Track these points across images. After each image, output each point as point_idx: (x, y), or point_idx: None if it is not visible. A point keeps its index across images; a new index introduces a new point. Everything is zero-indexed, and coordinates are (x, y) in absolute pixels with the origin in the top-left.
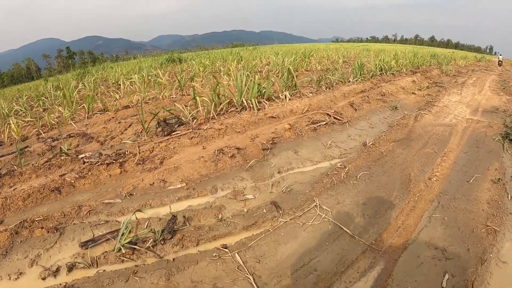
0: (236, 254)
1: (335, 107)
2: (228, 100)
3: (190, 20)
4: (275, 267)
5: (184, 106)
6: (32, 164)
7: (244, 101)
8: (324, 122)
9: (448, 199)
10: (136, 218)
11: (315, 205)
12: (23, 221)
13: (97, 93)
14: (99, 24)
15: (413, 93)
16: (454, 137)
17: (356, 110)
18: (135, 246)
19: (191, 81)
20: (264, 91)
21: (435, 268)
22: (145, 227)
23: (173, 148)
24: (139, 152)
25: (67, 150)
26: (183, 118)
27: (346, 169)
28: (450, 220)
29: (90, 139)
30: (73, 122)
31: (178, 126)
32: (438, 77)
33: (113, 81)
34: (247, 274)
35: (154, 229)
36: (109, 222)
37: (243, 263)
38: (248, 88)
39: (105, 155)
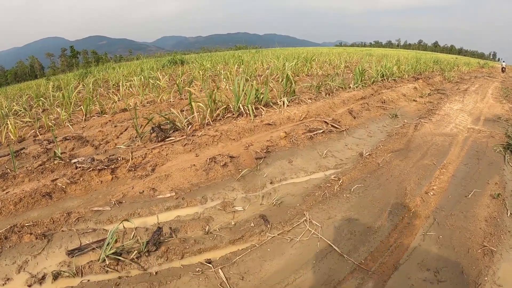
0: (220, 270)
1: (333, 114)
2: (224, 106)
3: (194, 22)
4: (258, 285)
5: (179, 111)
6: (26, 168)
7: (241, 107)
8: (321, 130)
9: (445, 215)
10: (124, 227)
11: (305, 220)
12: (13, 226)
13: (96, 94)
14: (103, 24)
15: (414, 100)
16: (454, 148)
17: (355, 118)
18: (119, 257)
19: (189, 85)
20: (262, 96)
21: None
22: (131, 237)
23: (166, 155)
24: (131, 158)
25: (62, 153)
26: (178, 123)
27: (340, 181)
28: (446, 239)
29: (86, 143)
30: (70, 125)
31: (173, 132)
32: (440, 84)
33: (113, 83)
34: None
35: (140, 240)
36: (97, 230)
37: (226, 280)
38: (245, 93)
39: (97, 160)
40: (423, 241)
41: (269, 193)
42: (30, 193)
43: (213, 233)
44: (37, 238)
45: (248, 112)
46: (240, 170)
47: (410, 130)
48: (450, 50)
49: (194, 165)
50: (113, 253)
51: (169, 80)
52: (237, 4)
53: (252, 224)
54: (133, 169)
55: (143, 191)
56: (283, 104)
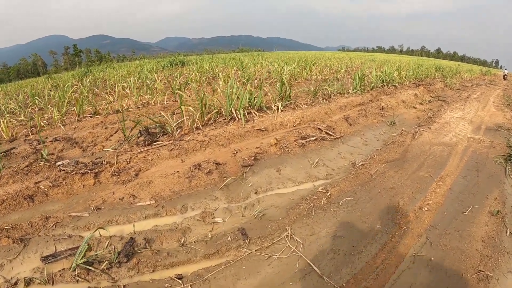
0: (189, 287)
1: (329, 120)
2: (216, 110)
3: (198, 24)
4: None
5: (169, 115)
6: (12, 168)
7: (233, 112)
8: (314, 138)
9: (439, 234)
10: (100, 235)
11: (286, 235)
12: None
13: (91, 95)
14: (107, 24)
15: (414, 107)
16: (452, 159)
17: (350, 124)
18: (90, 267)
19: (184, 87)
20: (255, 101)
21: None
22: (105, 246)
23: (151, 160)
24: (116, 163)
25: (50, 154)
26: (168, 127)
27: (328, 193)
28: (438, 261)
29: (75, 144)
30: (63, 125)
31: (162, 135)
32: (441, 91)
33: (111, 83)
34: None
35: (114, 249)
36: (72, 237)
37: None
38: (238, 97)
39: (82, 163)
40: (413, 263)
41: (252, 204)
42: (12, 195)
43: (188, 246)
44: (14, 242)
45: (239, 117)
46: (224, 178)
47: (407, 139)
48: (453, 57)
49: (178, 171)
50: (84, 263)
51: (167, 81)
52: (241, 6)
53: (229, 238)
54: (117, 174)
55: (123, 197)
56: (277, 109)
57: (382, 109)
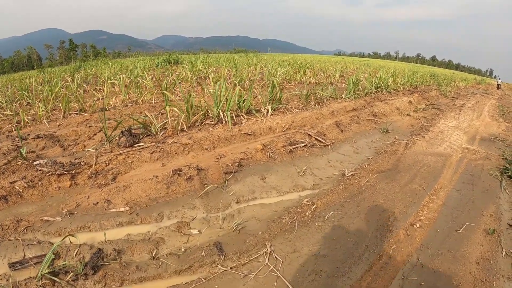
0: None
1: (319, 126)
2: (203, 111)
3: (195, 23)
4: None
5: (154, 115)
6: None
7: (221, 114)
8: (303, 144)
9: (430, 255)
10: (70, 242)
11: (265, 252)
12: None
13: (80, 91)
14: (104, 19)
15: (408, 114)
16: (447, 170)
17: (342, 131)
18: (55, 278)
19: (173, 87)
20: (244, 103)
21: None
22: (74, 254)
23: (131, 162)
24: (94, 164)
25: (31, 152)
26: (152, 128)
27: (314, 206)
28: (428, 286)
29: (56, 142)
30: (47, 121)
31: (145, 137)
32: (436, 99)
33: (102, 79)
34: None
35: (82, 259)
36: (42, 243)
37: None
38: (227, 99)
39: (59, 163)
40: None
41: (232, 214)
42: None
43: (160, 260)
44: None
45: (227, 119)
46: (205, 185)
47: (400, 148)
48: (448, 65)
49: (157, 176)
50: (50, 272)
51: (158, 80)
52: (238, 8)
53: (203, 253)
54: (94, 176)
55: (97, 202)
56: (267, 112)
57: (376, 115)
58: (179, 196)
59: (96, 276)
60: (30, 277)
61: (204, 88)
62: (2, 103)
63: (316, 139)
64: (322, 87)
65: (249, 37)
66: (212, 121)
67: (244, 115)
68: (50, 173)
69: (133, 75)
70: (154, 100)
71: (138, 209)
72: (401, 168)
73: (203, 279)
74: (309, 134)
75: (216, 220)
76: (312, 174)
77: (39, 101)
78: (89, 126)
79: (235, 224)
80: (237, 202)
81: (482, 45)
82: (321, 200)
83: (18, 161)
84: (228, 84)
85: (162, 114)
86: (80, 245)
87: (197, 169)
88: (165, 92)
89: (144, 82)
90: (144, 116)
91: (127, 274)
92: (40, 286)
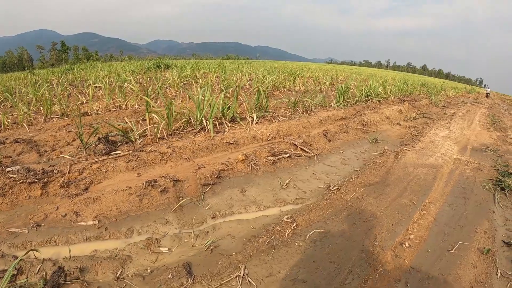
0: None
1: (306, 135)
2: (186, 119)
3: (188, 28)
4: None
5: (133, 121)
6: None
7: (204, 121)
8: (288, 155)
9: (420, 279)
10: (35, 257)
11: (238, 275)
12: None
13: (64, 94)
14: (97, 22)
15: (398, 124)
16: (438, 183)
17: (330, 140)
18: None
19: (157, 92)
20: (229, 111)
21: None
22: (37, 271)
23: (105, 171)
24: (68, 172)
25: (8, 157)
26: (132, 135)
27: (294, 224)
28: None
29: (34, 147)
30: (28, 125)
31: (124, 144)
32: (426, 108)
33: (89, 83)
34: None
35: (44, 276)
36: (6, 256)
37: None
38: (211, 105)
39: (32, 171)
40: None
41: (206, 231)
42: None
43: (124, 281)
44: None
45: (209, 127)
46: (180, 198)
47: (390, 159)
48: (438, 74)
49: (130, 187)
50: None
51: (146, 85)
52: (231, 14)
53: (170, 275)
54: (66, 186)
55: (66, 214)
56: (252, 121)
57: (365, 124)
58: (151, 210)
59: None
60: None
61: (190, 95)
62: None
63: (302, 149)
64: (311, 94)
65: (242, 43)
66: (195, 128)
67: (228, 123)
68: (21, 181)
69: (120, 79)
70: (138, 105)
71: (107, 223)
72: (390, 181)
73: None
74: (295, 144)
75: (188, 237)
76: (295, 187)
77: (22, 104)
78: (69, 131)
79: (208, 243)
80: (213, 218)
81: (472, 55)
82: (303, 216)
83: None
84: (215, 90)
85: (144, 120)
86: (43, 260)
87: (174, 180)
88: (145, 98)
89: (128, 87)
90: (124, 123)
91: None
92: None
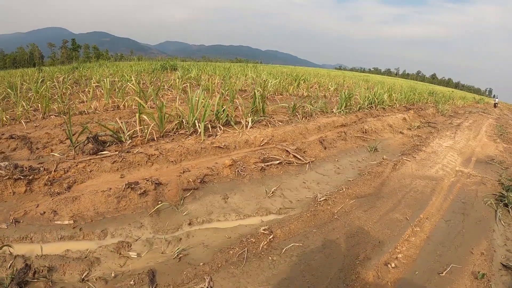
0: None
1: (301, 142)
2: (178, 121)
3: (198, 30)
4: None
5: (123, 122)
6: None
7: (197, 124)
8: (278, 161)
9: None
10: (10, 252)
11: (202, 287)
12: None
13: (66, 92)
14: (108, 21)
15: (401, 132)
16: (436, 197)
17: (325, 148)
18: None
19: (156, 93)
20: (223, 114)
21: None
22: (8, 266)
23: (90, 171)
24: (54, 171)
25: (1, 153)
26: (122, 135)
27: (271, 236)
28: None
29: (27, 144)
30: (25, 122)
31: (112, 144)
32: (432, 117)
33: (93, 82)
34: None
35: (14, 272)
36: None
37: None
38: (205, 108)
39: (20, 167)
40: None
41: (179, 238)
42: None
43: (88, 283)
44: None
45: (200, 130)
46: (159, 202)
47: (387, 169)
48: (447, 83)
49: (110, 189)
50: None
51: (151, 85)
52: (242, 17)
53: (132, 282)
54: (50, 184)
55: (44, 212)
56: (246, 125)
57: (365, 132)
58: (128, 213)
59: None
60: None
61: (184, 97)
62: None
63: (294, 156)
64: (311, 100)
65: (251, 47)
66: (187, 131)
67: (222, 126)
68: (7, 177)
69: (124, 79)
70: (136, 106)
71: (83, 223)
72: (384, 193)
73: None
74: (287, 151)
75: (160, 243)
76: (281, 196)
77: (24, 101)
78: (63, 130)
79: (179, 250)
80: (189, 224)
81: (482, 65)
82: (282, 228)
83: None
84: (216, 93)
85: (140, 121)
86: (15, 256)
87: (156, 183)
88: (137, 99)
89: (129, 87)
90: (115, 123)
91: None
92: None
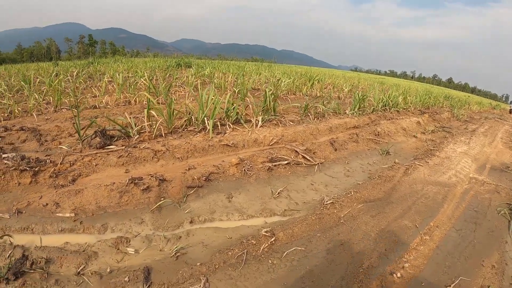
0: None
1: (311, 142)
2: (187, 117)
3: (214, 29)
4: None
5: (132, 117)
6: None
7: (206, 121)
8: (286, 162)
9: None
10: (11, 242)
11: None
12: None
13: (79, 87)
14: (125, 18)
15: (414, 136)
16: (448, 204)
17: (336, 149)
18: None
19: (168, 90)
20: (232, 112)
21: None
22: (7, 256)
23: (95, 165)
24: (60, 163)
25: (9, 144)
26: (130, 130)
27: (273, 239)
28: None
29: (36, 136)
30: (37, 114)
31: (120, 139)
32: (447, 121)
33: (107, 77)
34: None
35: (11, 262)
36: None
37: None
38: (215, 106)
39: (26, 159)
40: None
41: (179, 236)
42: None
43: (83, 277)
44: None
45: (209, 127)
46: (162, 199)
47: (398, 174)
48: (464, 87)
49: (114, 183)
50: None
51: (163, 81)
52: (258, 17)
53: (127, 278)
54: (55, 176)
55: (47, 204)
56: (256, 123)
57: (378, 135)
58: (129, 208)
59: (17, 283)
60: None
61: (194, 94)
62: (3, 93)
63: (303, 156)
64: (324, 100)
65: (267, 47)
66: (196, 128)
67: (231, 124)
68: (14, 167)
69: (137, 75)
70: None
71: (84, 217)
72: (394, 198)
73: None
74: (296, 151)
75: (159, 240)
76: (287, 197)
77: (37, 93)
78: (73, 123)
79: (177, 249)
80: (190, 222)
81: (499, 70)
82: (285, 231)
83: None
84: (228, 91)
85: (148, 117)
86: (15, 247)
87: (160, 179)
88: (146, 94)
89: (141, 82)
90: (124, 118)
91: (44, 287)
92: None
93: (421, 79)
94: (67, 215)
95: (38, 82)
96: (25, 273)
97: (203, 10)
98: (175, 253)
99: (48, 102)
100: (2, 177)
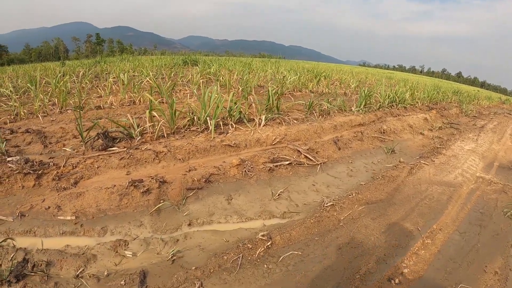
0: None
1: (315, 141)
2: (190, 117)
3: (222, 25)
4: None
5: (133, 118)
6: None
7: (209, 121)
8: (288, 162)
9: None
10: (14, 245)
11: None
12: None
13: (85, 87)
14: (132, 16)
15: (421, 133)
16: (453, 205)
17: (340, 148)
18: None
19: (172, 89)
20: (236, 111)
21: None
22: (10, 258)
23: (98, 167)
24: (63, 166)
25: (15, 147)
26: (132, 131)
27: (269, 242)
28: None
29: (41, 139)
30: (42, 116)
31: (122, 141)
32: (455, 117)
33: (112, 76)
34: None
35: (13, 264)
36: None
37: None
38: (216, 104)
39: (30, 162)
40: None
41: (176, 239)
42: None
43: (82, 280)
44: None
45: (211, 127)
46: (161, 201)
47: (402, 173)
48: (473, 82)
49: (114, 185)
50: None
51: (168, 80)
52: (265, 13)
53: (123, 282)
54: (58, 179)
55: (49, 207)
56: (259, 123)
57: (383, 132)
58: (129, 211)
59: (18, 286)
60: None
61: (196, 93)
62: (9, 94)
63: (305, 156)
64: (329, 97)
65: (275, 42)
66: (198, 128)
67: (234, 124)
68: (18, 171)
69: (143, 74)
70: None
71: (84, 219)
72: (397, 199)
73: None
74: (299, 151)
75: (157, 243)
76: (288, 199)
77: (43, 94)
78: (77, 124)
79: (174, 252)
80: (188, 225)
81: (509, 64)
82: (282, 234)
83: None
84: (234, 89)
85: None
86: (17, 249)
87: (160, 181)
88: (147, 95)
89: (145, 82)
90: (127, 119)
91: None
92: None
93: (430, 73)
94: (68, 218)
95: (44, 83)
96: (26, 276)
97: (211, 7)
98: (171, 257)
99: (53, 103)
100: (7, 181)
